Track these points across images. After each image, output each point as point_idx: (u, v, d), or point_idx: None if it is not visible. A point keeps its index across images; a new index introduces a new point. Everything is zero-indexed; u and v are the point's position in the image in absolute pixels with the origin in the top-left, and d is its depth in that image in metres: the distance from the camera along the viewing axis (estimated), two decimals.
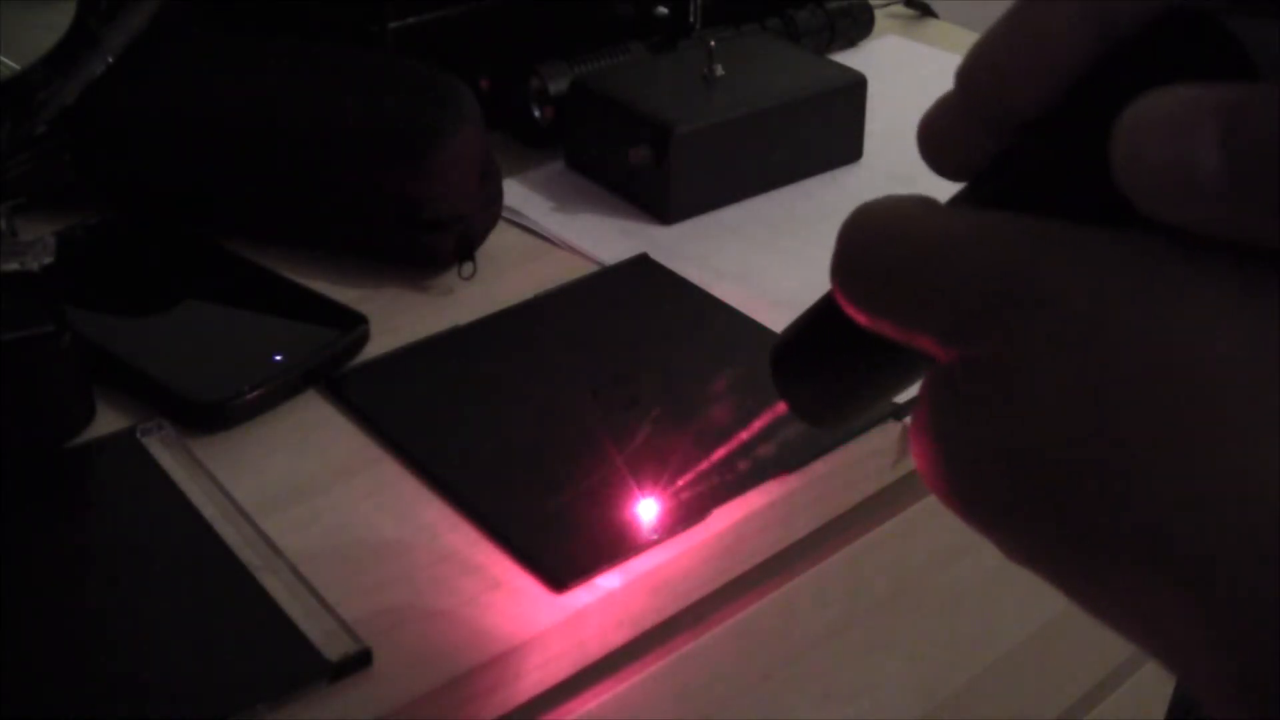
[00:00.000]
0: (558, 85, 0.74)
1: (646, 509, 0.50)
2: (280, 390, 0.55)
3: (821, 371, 0.31)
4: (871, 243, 0.25)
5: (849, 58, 0.90)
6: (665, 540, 0.49)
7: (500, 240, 0.67)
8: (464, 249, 0.63)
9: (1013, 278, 0.23)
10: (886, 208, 0.26)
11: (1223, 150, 0.20)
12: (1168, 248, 0.22)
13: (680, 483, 0.51)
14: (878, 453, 0.56)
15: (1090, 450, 0.22)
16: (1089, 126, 0.22)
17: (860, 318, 0.26)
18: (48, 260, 0.51)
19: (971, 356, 0.24)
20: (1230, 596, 0.20)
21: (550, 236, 0.69)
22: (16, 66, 0.64)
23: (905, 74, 0.88)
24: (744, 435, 0.53)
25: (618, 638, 0.48)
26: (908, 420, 0.56)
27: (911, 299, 0.24)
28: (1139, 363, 0.21)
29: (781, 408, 0.32)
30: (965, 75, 0.25)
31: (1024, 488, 0.23)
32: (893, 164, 0.77)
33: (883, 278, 0.25)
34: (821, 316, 0.30)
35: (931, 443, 0.25)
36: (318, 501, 0.50)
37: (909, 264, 0.24)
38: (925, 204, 0.25)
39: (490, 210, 0.65)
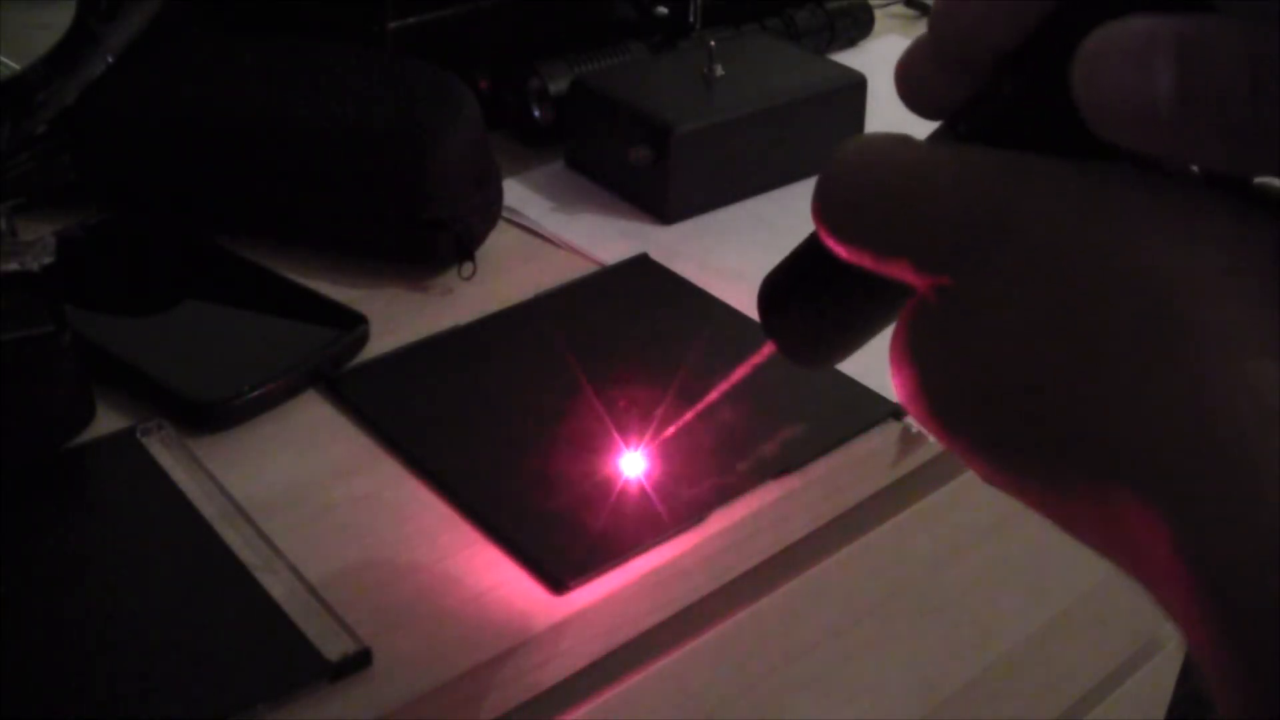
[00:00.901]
0: (558, 85, 0.74)
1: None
2: (280, 390, 0.55)
3: (805, 308, 0.32)
4: (851, 176, 0.27)
5: (849, 58, 0.90)
6: (665, 541, 0.49)
7: (500, 240, 0.67)
8: (464, 249, 0.63)
9: (983, 207, 0.24)
10: (865, 143, 0.27)
11: (1175, 78, 0.21)
12: (1130, 176, 0.23)
13: (680, 483, 0.51)
14: (878, 453, 0.56)
15: (1057, 368, 0.23)
16: (1053, 61, 0.23)
17: (841, 250, 0.27)
18: (48, 260, 0.51)
19: (945, 283, 0.25)
20: (1191, 501, 0.21)
21: (550, 236, 0.69)
22: (16, 66, 0.64)
23: None
24: (744, 435, 0.53)
25: (618, 638, 0.48)
26: (907, 420, 0.56)
27: (888, 228, 0.26)
28: (1102, 284, 0.23)
29: (769, 350, 0.34)
30: (937, 18, 0.27)
31: (998, 407, 0.24)
32: None
33: (861, 209, 0.26)
34: (805, 254, 0.31)
35: (909, 368, 0.26)
36: (318, 501, 0.50)
37: (886, 195, 0.26)
38: (902, 140, 0.26)
39: (490, 210, 0.65)
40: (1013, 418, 0.24)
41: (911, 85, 0.28)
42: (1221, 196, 0.23)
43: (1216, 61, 0.21)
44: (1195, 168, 0.23)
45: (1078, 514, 0.24)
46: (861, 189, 0.26)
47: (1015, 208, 0.24)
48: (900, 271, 0.26)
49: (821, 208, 0.27)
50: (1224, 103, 0.21)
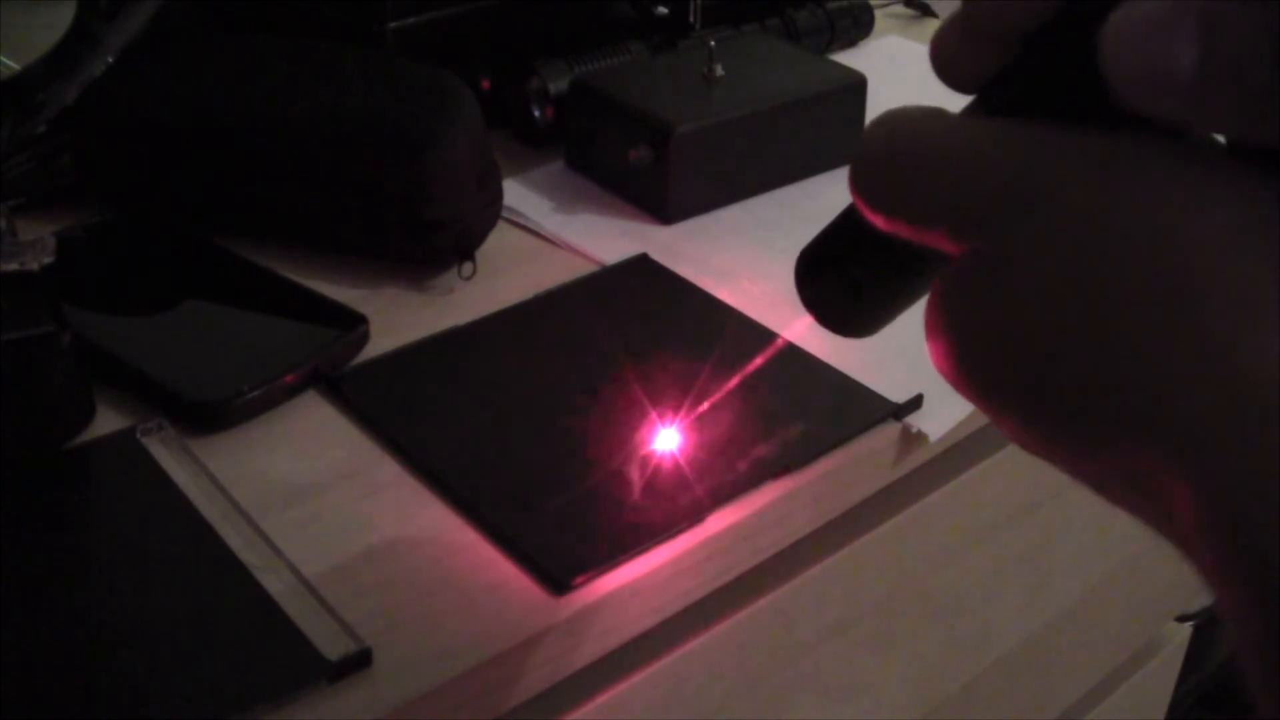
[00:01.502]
0: (558, 85, 0.74)
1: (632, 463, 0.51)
2: (280, 390, 0.55)
3: (842, 279, 0.33)
4: (888, 147, 0.28)
5: (849, 58, 0.90)
6: (665, 541, 0.49)
7: (500, 240, 0.67)
8: (464, 249, 0.63)
9: (1013, 175, 0.25)
10: (901, 116, 0.28)
11: (1199, 49, 0.22)
12: (1155, 144, 0.24)
13: (680, 483, 0.51)
14: (878, 453, 0.56)
15: (1086, 329, 0.24)
16: (1081, 34, 0.24)
17: (877, 220, 0.28)
18: (48, 260, 0.51)
19: (978, 250, 0.26)
20: (1216, 461, 0.22)
21: (550, 236, 0.69)
22: (16, 66, 0.64)
23: (905, 74, 0.88)
24: (744, 435, 0.53)
25: (617, 638, 0.48)
26: (907, 420, 0.56)
27: (923, 198, 0.27)
28: (1127, 245, 0.23)
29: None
30: None
31: (1029, 369, 0.25)
32: None
33: (898, 178, 0.27)
34: (841, 226, 0.32)
35: (944, 333, 0.27)
36: (318, 501, 0.50)
37: (922, 165, 0.27)
38: (935, 113, 0.28)
39: (490, 210, 0.65)
40: (1043, 379, 0.25)
41: (944, 60, 0.29)
42: (1244, 163, 0.24)
43: (1238, 32, 0.21)
44: (1220, 137, 0.24)
45: (1107, 474, 0.25)
46: (896, 161, 0.27)
47: (1044, 175, 0.25)
48: (934, 240, 0.27)
49: (858, 179, 0.28)
50: (1245, 73, 0.21)
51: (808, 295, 0.34)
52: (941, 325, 0.27)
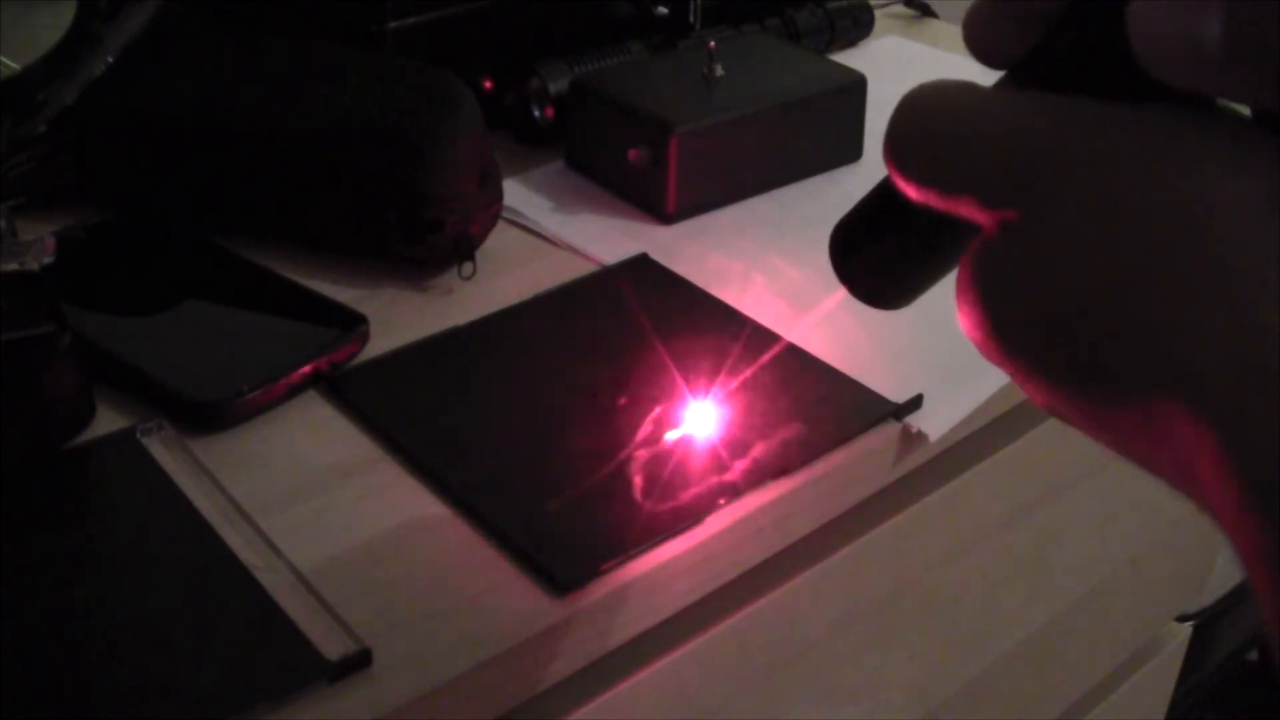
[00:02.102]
0: (558, 85, 0.74)
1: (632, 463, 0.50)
2: (280, 390, 0.55)
3: (876, 251, 0.34)
4: (922, 119, 0.29)
5: (849, 58, 0.90)
6: (665, 541, 0.49)
7: (500, 240, 0.67)
8: (464, 249, 0.63)
9: (1046, 146, 0.26)
10: (935, 89, 0.29)
11: (1223, 21, 0.23)
12: (1184, 115, 0.25)
13: (680, 483, 0.51)
14: (877, 453, 0.56)
15: (1113, 291, 0.25)
16: (1110, 8, 0.25)
17: (911, 190, 0.29)
18: (48, 260, 0.51)
19: (1009, 219, 0.27)
20: (1238, 417, 0.23)
21: (550, 236, 0.69)
22: (16, 66, 0.64)
23: (905, 74, 0.88)
24: (744, 435, 0.53)
25: (618, 638, 0.48)
26: (907, 420, 0.56)
27: (955, 168, 0.28)
28: (1152, 210, 0.24)
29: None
30: None
31: (1057, 331, 0.26)
32: None
33: (931, 149, 0.28)
34: (875, 199, 0.33)
35: (975, 300, 0.28)
36: (318, 501, 0.50)
37: (955, 136, 0.28)
38: (970, 86, 0.28)
39: (490, 210, 0.65)
40: (1071, 340, 0.26)
41: (977, 36, 0.29)
42: (1269, 132, 0.24)
43: (1262, 4, 0.22)
44: (1246, 108, 0.25)
45: (1131, 433, 0.26)
46: (930, 132, 0.28)
47: (1076, 145, 0.26)
48: (966, 210, 0.28)
49: (892, 150, 0.29)
50: (1269, 44, 0.22)
51: (842, 268, 0.35)
52: (973, 292, 0.28)
